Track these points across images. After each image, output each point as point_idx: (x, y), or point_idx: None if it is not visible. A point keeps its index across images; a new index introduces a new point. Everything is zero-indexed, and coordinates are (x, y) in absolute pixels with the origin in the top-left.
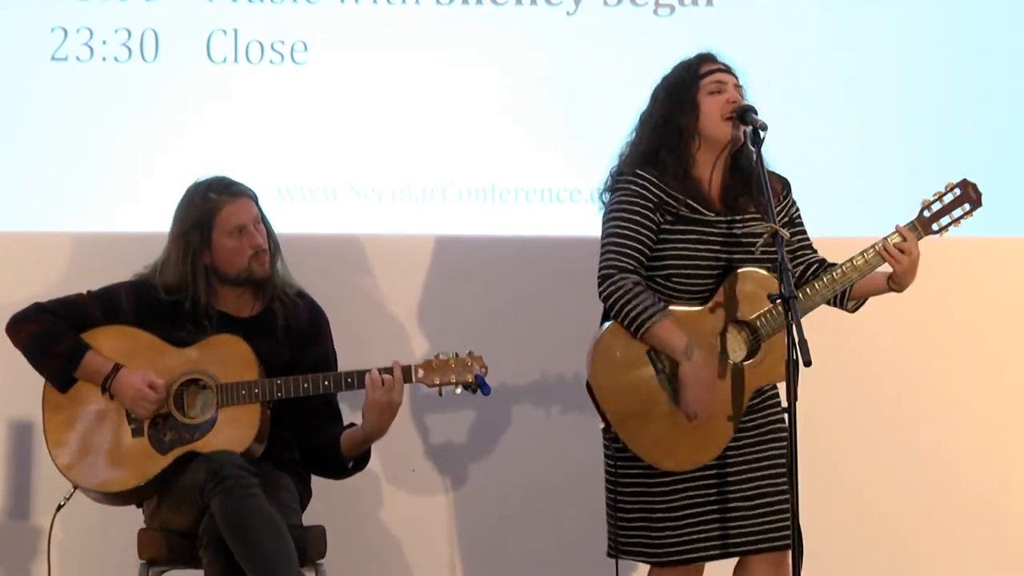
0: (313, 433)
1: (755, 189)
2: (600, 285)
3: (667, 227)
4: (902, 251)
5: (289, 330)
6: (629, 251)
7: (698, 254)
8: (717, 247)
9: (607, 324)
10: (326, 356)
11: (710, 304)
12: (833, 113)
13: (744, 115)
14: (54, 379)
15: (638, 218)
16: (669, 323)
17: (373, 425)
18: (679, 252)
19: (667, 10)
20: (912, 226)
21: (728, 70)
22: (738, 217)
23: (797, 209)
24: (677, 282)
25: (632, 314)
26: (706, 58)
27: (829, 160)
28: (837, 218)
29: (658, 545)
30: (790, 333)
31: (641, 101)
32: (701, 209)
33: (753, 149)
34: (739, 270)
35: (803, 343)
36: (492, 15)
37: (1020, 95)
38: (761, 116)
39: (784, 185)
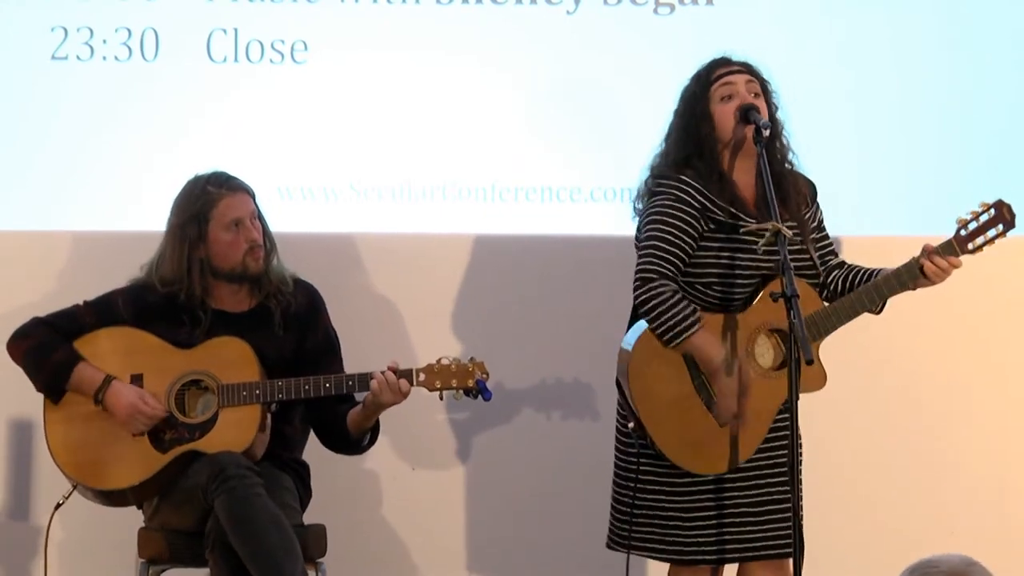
0: (324, 411)
1: (784, 191)
2: (639, 288)
3: (709, 235)
4: (943, 269)
5: (287, 319)
6: (670, 256)
7: (739, 262)
8: (755, 254)
9: (645, 327)
10: (328, 336)
11: (747, 311)
12: (833, 112)
13: (746, 115)
14: (47, 392)
15: (680, 224)
16: (706, 334)
17: (376, 411)
18: (722, 260)
19: (667, 9)
20: (949, 245)
21: (740, 70)
22: (767, 191)
23: (820, 211)
24: (718, 290)
25: (670, 323)
26: (718, 63)
27: (829, 159)
28: (837, 217)
29: (670, 543)
30: (791, 331)
31: (642, 100)
32: (742, 216)
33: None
34: (777, 276)
35: (804, 341)
36: (492, 14)
37: (1020, 93)
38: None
39: (812, 189)
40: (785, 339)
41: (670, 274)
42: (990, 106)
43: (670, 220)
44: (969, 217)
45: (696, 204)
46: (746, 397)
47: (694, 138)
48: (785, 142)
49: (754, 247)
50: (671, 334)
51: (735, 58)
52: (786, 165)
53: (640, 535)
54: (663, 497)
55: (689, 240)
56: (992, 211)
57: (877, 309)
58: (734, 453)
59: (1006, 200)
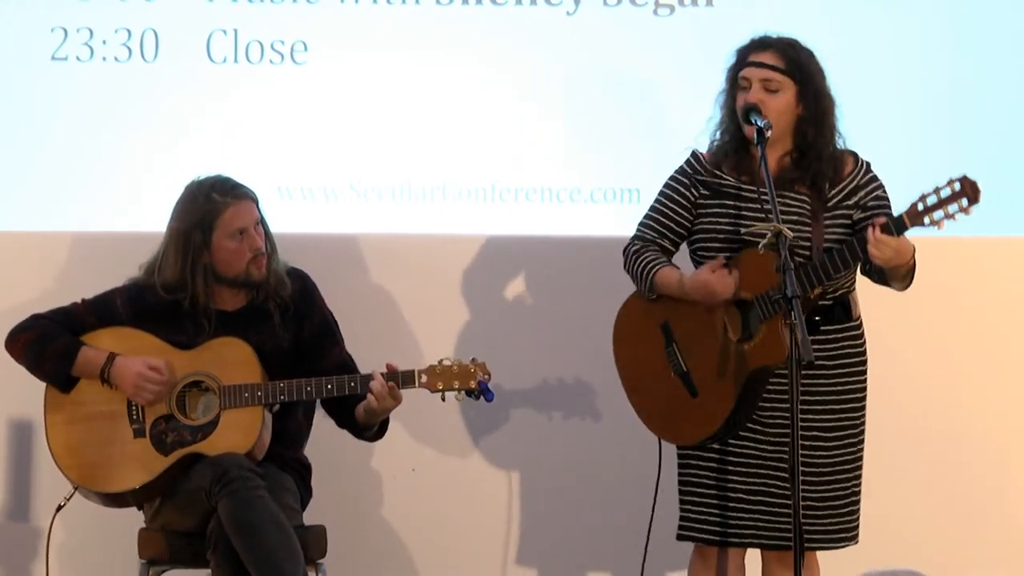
0: (333, 398)
1: (812, 169)
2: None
3: (702, 201)
4: (875, 241)
5: (284, 318)
6: (651, 222)
7: (718, 226)
8: (741, 219)
9: (629, 296)
10: (324, 319)
11: None
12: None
13: (747, 115)
14: (53, 380)
15: (669, 192)
16: (665, 269)
17: (378, 415)
18: (703, 225)
19: (667, 10)
20: (900, 220)
21: (763, 64)
22: (768, 193)
23: (871, 191)
24: (700, 255)
25: (638, 275)
26: (750, 48)
27: None
28: None
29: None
30: (793, 333)
31: (642, 101)
32: (726, 177)
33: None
34: (747, 249)
35: (805, 342)
36: (492, 15)
37: (1020, 93)
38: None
39: (856, 165)
40: (749, 310)
41: (647, 236)
42: (992, 105)
43: (663, 190)
44: (930, 191)
45: (689, 170)
46: (716, 367)
47: (727, 109)
48: (831, 124)
49: (739, 213)
50: (642, 283)
51: (773, 37)
52: (828, 148)
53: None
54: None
55: (674, 206)
56: (957, 185)
57: (899, 287)
58: (702, 424)
59: (971, 177)
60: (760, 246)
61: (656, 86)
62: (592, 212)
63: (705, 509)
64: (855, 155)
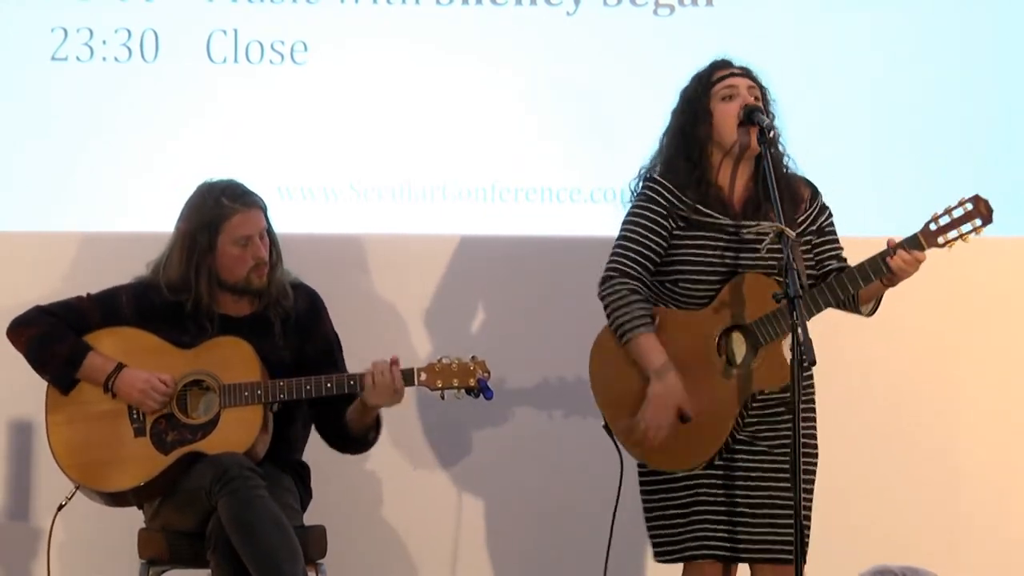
0: (327, 410)
1: (779, 193)
2: (600, 286)
3: (678, 232)
4: (906, 263)
5: (286, 328)
6: (634, 255)
7: (705, 258)
8: (726, 251)
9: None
10: (327, 341)
11: (712, 306)
12: (833, 112)
13: (750, 116)
14: (56, 381)
15: (647, 223)
16: (651, 338)
17: (371, 409)
18: (687, 257)
19: (667, 10)
20: (915, 240)
21: (742, 73)
22: (751, 222)
23: (828, 217)
24: (684, 287)
25: (619, 322)
26: (719, 65)
27: (829, 159)
28: (835, 216)
29: (662, 543)
30: (795, 332)
31: (642, 101)
32: (712, 213)
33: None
34: (742, 273)
35: (808, 343)
36: (492, 15)
37: (1020, 93)
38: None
39: (812, 191)
40: (749, 336)
41: (633, 272)
42: (992, 105)
43: (638, 220)
44: (942, 212)
45: (664, 203)
46: (713, 392)
47: (689, 138)
48: (782, 148)
49: (724, 244)
50: (620, 332)
51: (736, 62)
52: (783, 169)
53: (653, 538)
54: (665, 496)
55: (656, 238)
56: (969, 206)
57: (867, 311)
58: (696, 451)
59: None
60: (763, 246)
61: (656, 86)
62: (592, 212)
63: (713, 525)
64: (804, 179)
